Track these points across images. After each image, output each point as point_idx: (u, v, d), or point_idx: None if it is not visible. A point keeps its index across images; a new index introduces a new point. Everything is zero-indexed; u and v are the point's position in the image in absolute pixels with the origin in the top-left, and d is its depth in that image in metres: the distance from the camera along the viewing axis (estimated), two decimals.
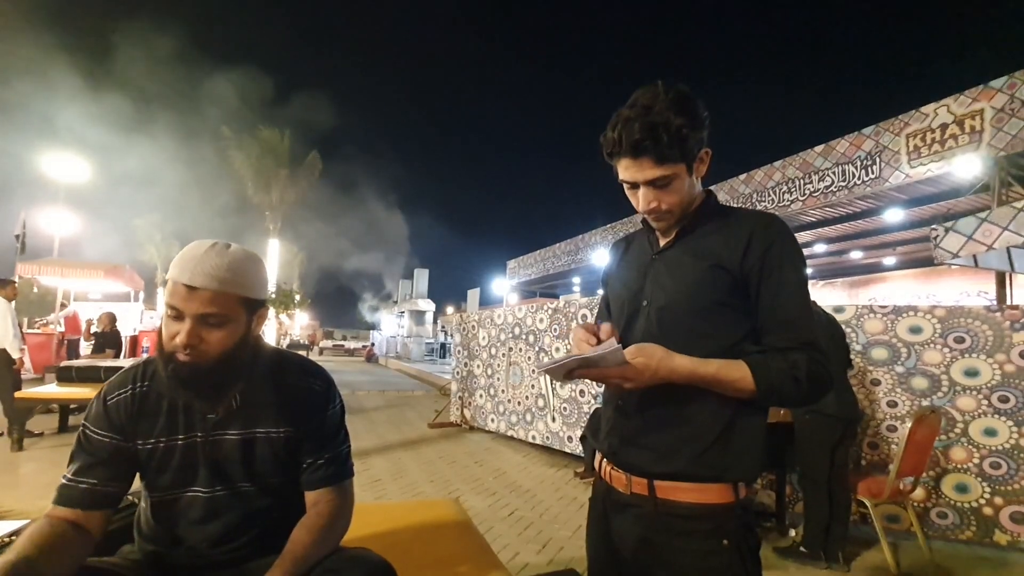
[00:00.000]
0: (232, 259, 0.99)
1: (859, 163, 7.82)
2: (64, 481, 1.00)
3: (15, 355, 5.23)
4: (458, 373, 6.98)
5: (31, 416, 5.13)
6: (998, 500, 2.94)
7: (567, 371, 0.90)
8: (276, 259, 25.02)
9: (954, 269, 9.76)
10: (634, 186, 0.96)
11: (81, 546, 0.95)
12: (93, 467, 1.01)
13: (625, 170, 0.95)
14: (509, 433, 5.82)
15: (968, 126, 6.55)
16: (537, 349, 5.47)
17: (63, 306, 10.71)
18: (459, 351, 7.06)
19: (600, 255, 14.46)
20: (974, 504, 2.99)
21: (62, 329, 10.20)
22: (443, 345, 23.74)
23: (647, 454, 0.96)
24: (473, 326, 6.71)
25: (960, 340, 3.05)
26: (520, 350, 5.74)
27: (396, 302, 32.39)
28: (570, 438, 4.91)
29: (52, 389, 5.03)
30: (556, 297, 19.02)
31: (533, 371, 5.52)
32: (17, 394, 4.78)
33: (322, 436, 1.13)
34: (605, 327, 0.95)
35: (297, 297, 27.97)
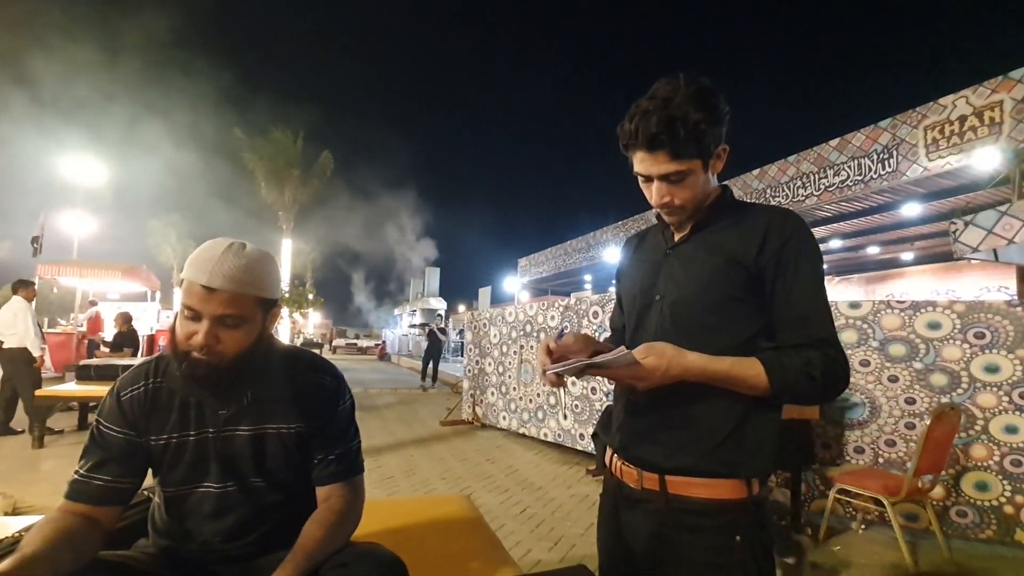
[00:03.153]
0: (249, 260, 0.99)
1: (875, 156, 7.69)
2: (76, 477, 1.01)
3: (36, 354, 5.33)
4: (469, 371, 6.99)
5: (51, 414, 5.22)
6: (1019, 498, 2.88)
7: (579, 371, 0.90)
8: (289, 259, 25.25)
9: (974, 264, 9.57)
10: (648, 179, 0.95)
11: (92, 539, 0.96)
12: (106, 463, 1.02)
13: (640, 163, 0.94)
14: (521, 430, 5.82)
15: (987, 118, 6.42)
16: None
17: (93, 303, 10.89)
18: (471, 349, 7.07)
19: (612, 252, 14.38)
20: (995, 502, 2.94)
21: (83, 329, 10.39)
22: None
23: (658, 449, 0.95)
24: (484, 324, 6.72)
25: (980, 336, 2.99)
26: (531, 348, 5.73)
27: (408, 300, 32.54)
28: (582, 435, 4.89)
29: (71, 387, 5.13)
30: (567, 295, 18.96)
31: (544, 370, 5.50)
32: (37, 392, 4.88)
33: (333, 432, 1.14)
34: (566, 338, 0.98)
35: (311, 296, 28.21)
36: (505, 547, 1.57)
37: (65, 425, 5.59)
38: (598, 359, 0.86)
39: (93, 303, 10.95)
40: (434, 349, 11.68)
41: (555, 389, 5.25)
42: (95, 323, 10.31)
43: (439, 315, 13.92)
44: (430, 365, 11.63)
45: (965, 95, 6.64)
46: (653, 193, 0.96)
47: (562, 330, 1.03)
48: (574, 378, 0.94)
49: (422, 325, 22.07)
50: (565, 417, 5.13)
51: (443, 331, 12.08)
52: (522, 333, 5.89)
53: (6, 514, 2.87)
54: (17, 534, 1.12)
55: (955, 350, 3.06)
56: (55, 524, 0.93)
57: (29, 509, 3.07)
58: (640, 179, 0.97)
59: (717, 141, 0.92)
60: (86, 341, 10.05)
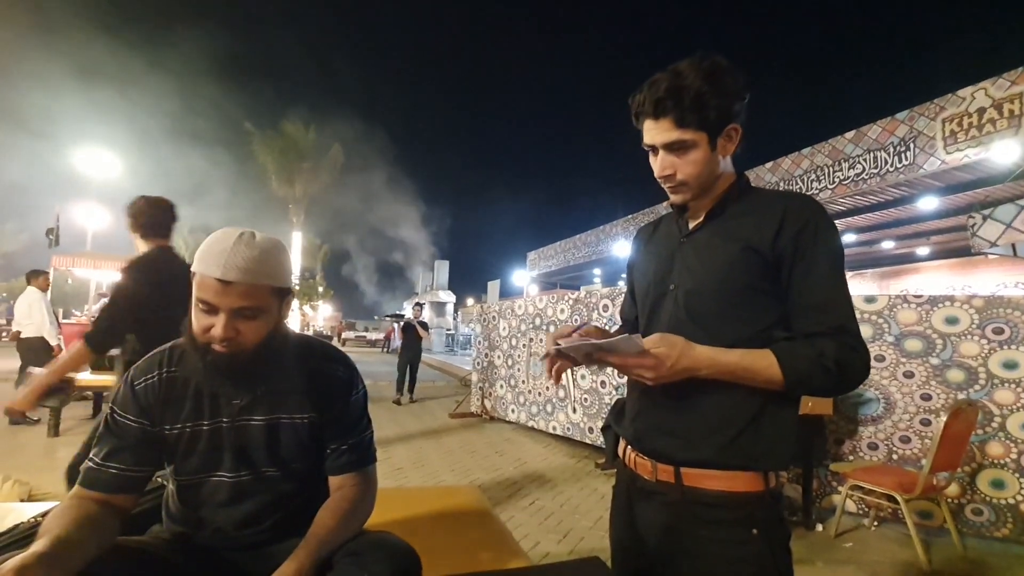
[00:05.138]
0: (262, 250, 0.98)
1: (892, 149, 7.58)
2: (91, 464, 1.01)
3: (53, 342, 5.42)
4: (479, 364, 7.01)
5: (67, 402, 5.30)
6: None
7: (585, 354, 0.88)
8: (299, 251, 25.39)
9: (991, 259, 9.40)
10: (655, 152, 0.94)
11: (112, 525, 0.97)
12: (120, 451, 1.02)
13: (647, 132, 0.94)
14: (530, 424, 5.82)
15: (1007, 110, 6.30)
16: None
17: (103, 295, 11.07)
18: (480, 342, 7.08)
19: (621, 246, 14.33)
20: (1011, 501, 2.89)
21: None
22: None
23: (674, 441, 0.93)
24: (494, 317, 6.72)
25: (999, 331, 2.94)
26: (540, 341, 5.72)
27: (417, 293, 32.66)
28: (591, 429, 4.89)
29: (86, 376, 5.19)
30: (577, 288, 18.93)
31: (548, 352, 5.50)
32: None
33: (346, 422, 1.14)
34: (588, 328, 0.99)
35: (320, 289, 28.38)
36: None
37: (80, 414, 5.67)
38: (602, 341, 0.85)
39: (104, 295, 11.12)
40: (413, 349, 8.37)
41: (555, 384, 5.25)
42: None
43: (418, 305, 9.23)
44: (407, 370, 8.24)
45: (984, 87, 6.52)
46: (657, 165, 0.95)
47: (584, 323, 1.01)
48: (584, 370, 0.94)
49: (395, 316, 15.98)
50: (574, 411, 5.13)
51: (424, 325, 8.58)
52: (531, 326, 5.89)
53: (22, 500, 2.92)
54: (34, 519, 1.13)
55: (973, 346, 3.00)
56: (76, 510, 0.93)
57: (45, 496, 3.12)
58: (651, 156, 0.97)
59: (725, 117, 0.90)
60: None
